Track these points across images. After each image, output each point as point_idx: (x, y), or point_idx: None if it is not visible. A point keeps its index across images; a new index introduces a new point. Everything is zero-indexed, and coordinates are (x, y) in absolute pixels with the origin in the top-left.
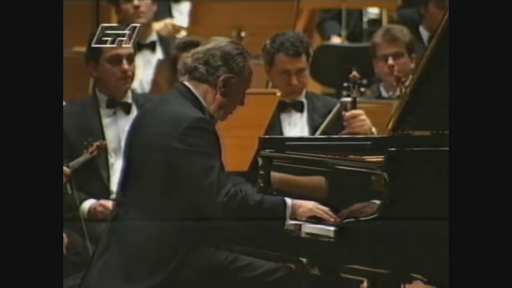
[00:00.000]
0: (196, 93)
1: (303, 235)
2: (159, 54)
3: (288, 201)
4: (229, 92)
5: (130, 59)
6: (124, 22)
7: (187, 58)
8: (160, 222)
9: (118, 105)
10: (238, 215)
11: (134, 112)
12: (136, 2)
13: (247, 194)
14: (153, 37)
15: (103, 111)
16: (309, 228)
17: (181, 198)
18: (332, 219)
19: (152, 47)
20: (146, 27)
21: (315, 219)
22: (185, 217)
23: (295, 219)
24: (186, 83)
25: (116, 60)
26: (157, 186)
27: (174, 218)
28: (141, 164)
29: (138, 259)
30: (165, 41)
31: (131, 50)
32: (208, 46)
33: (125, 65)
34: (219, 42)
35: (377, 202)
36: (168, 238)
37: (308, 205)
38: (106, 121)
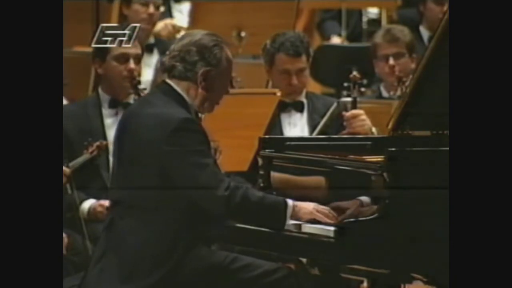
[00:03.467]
0: (179, 90)
1: (303, 235)
2: (156, 56)
3: (289, 202)
4: (210, 85)
5: (137, 59)
6: (125, 20)
7: (164, 57)
8: (156, 225)
9: (120, 106)
10: (240, 210)
11: None
12: (151, 10)
13: (249, 190)
14: (151, 39)
15: (105, 111)
16: (309, 228)
17: (177, 200)
18: (333, 221)
19: (149, 49)
20: (147, 32)
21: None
22: (182, 218)
23: (296, 220)
24: (168, 80)
25: (123, 59)
26: (150, 189)
27: (170, 220)
28: (133, 169)
29: (136, 263)
30: (162, 43)
31: (139, 51)
32: (184, 41)
33: (132, 64)
34: (194, 35)
35: (363, 198)
36: (164, 240)
37: (309, 208)
38: (108, 121)
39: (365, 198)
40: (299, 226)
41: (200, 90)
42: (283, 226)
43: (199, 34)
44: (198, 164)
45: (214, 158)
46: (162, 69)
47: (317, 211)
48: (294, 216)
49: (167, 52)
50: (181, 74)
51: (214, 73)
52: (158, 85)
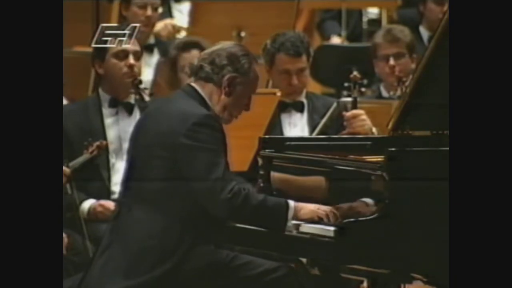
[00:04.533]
0: (202, 93)
1: (303, 235)
2: (156, 56)
3: (291, 203)
4: (233, 92)
5: (137, 56)
6: (125, 21)
7: (194, 60)
8: (163, 219)
9: (121, 105)
10: (241, 213)
11: (136, 113)
12: (149, 12)
13: (251, 193)
14: (151, 40)
15: (105, 111)
16: (309, 228)
17: (185, 195)
18: (334, 220)
19: (149, 49)
20: (146, 34)
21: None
22: (189, 214)
23: (297, 220)
24: (193, 84)
25: (122, 55)
26: (160, 183)
27: (177, 215)
28: (146, 161)
29: (140, 255)
30: (162, 43)
31: (138, 48)
32: (214, 48)
33: (132, 60)
34: (225, 44)
35: (367, 200)
36: (170, 234)
37: (310, 207)
38: (108, 121)
39: (369, 200)
40: (299, 226)
41: (223, 95)
42: (284, 227)
43: (230, 43)
44: (209, 163)
45: (226, 159)
46: (190, 70)
47: (318, 210)
48: (295, 216)
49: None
50: (207, 75)
51: (239, 81)
52: (182, 87)
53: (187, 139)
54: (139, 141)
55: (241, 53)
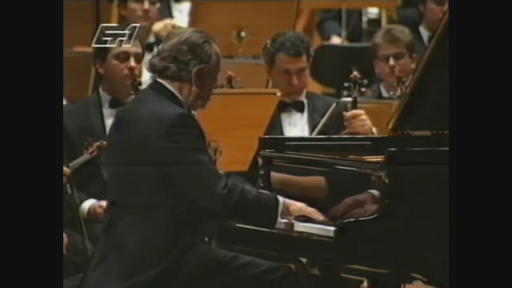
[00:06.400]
0: (171, 89)
1: (303, 235)
2: None
3: (280, 198)
4: (203, 82)
5: (138, 58)
6: (124, 21)
7: (154, 58)
8: (156, 222)
9: (121, 106)
10: (237, 209)
11: None
12: (146, 6)
13: (245, 188)
14: (151, 39)
15: (106, 111)
16: (308, 228)
17: (174, 197)
18: (321, 219)
19: (149, 48)
20: (146, 30)
21: (306, 218)
22: (182, 214)
23: (286, 217)
24: (159, 80)
25: (124, 57)
26: (149, 187)
27: (170, 216)
28: (130, 167)
29: (136, 261)
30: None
31: (139, 50)
32: (173, 41)
33: (133, 62)
34: (182, 34)
35: (373, 192)
36: (164, 237)
37: (298, 205)
38: (108, 121)
39: (376, 192)
40: (299, 225)
41: (193, 88)
42: (274, 224)
43: (186, 32)
44: (196, 162)
45: (210, 155)
46: (153, 70)
47: (306, 208)
48: (285, 213)
49: (155, 53)
50: (174, 74)
51: (206, 70)
52: (150, 84)
53: (167, 142)
54: (118, 145)
55: (202, 40)
